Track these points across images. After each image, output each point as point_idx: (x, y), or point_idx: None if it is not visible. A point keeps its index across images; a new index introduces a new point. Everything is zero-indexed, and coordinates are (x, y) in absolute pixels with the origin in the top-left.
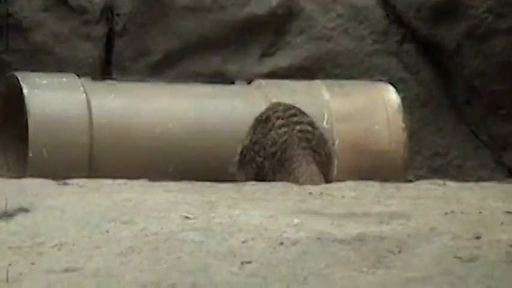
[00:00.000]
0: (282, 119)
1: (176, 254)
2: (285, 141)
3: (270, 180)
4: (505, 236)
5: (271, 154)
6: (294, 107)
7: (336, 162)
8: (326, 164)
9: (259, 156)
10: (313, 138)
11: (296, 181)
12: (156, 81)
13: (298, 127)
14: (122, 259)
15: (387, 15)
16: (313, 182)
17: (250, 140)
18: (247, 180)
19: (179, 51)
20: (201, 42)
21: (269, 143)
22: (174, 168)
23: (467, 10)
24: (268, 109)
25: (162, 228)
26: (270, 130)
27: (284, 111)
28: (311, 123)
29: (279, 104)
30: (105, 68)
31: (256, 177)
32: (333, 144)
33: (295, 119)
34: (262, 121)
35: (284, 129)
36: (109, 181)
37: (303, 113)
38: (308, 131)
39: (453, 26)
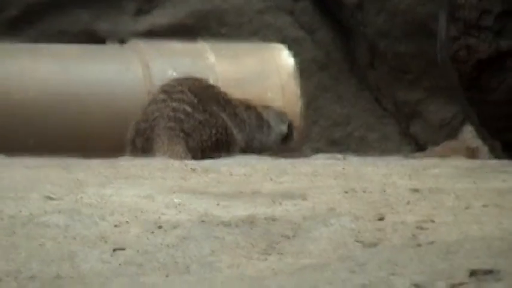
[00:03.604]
0: (166, 93)
1: (37, 240)
2: (155, 118)
3: None
4: (411, 217)
5: (142, 131)
6: (204, 84)
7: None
8: (207, 151)
9: (134, 132)
10: (188, 120)
11: None
12: (13, 41)
13: (174, 104)
14: None
15: None
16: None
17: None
18: None
19: (41, 6)
20: None
21: (144, 118)
22: (36, 141)
23: None
24: (171, 80)
25: (20, 211)
26: (149, 104)
27: (178, 85)
28: (194, 105)
29: (186, 78)
30: None
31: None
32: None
33: (178, 96)
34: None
35: (160, 105)
36: None
37: (203, 92)
38: (184, 112)
39: None
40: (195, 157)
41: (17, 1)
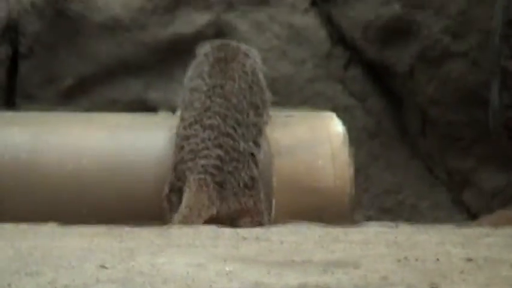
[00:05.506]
0: (192, 153)
1: None
2: (186, 174)
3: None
4: (466, 286)
5: (176, 187)
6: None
7: (273, 202)
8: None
9: (168, 188)
10: (218, 173)
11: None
12: (67, 111)
13: (202, 162)
14: None
15: (330, 36)
16: (198, 212)
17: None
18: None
19: (93, 75)
20: (118, 66)
21: (176, 176)
22: (88, 210)
23: (421, 30)
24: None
25: (74, 280)
26: (179, 162)
27: (201, 142)
28: (221, 158)
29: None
30: (9, 96)
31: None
32: (270, 181)
33: (205, 152)
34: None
35: (189, 164)
36: (10, 226)
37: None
38: (215, 166)
39: (405, 47)
40: (227, 204)
41: (70, 72)
